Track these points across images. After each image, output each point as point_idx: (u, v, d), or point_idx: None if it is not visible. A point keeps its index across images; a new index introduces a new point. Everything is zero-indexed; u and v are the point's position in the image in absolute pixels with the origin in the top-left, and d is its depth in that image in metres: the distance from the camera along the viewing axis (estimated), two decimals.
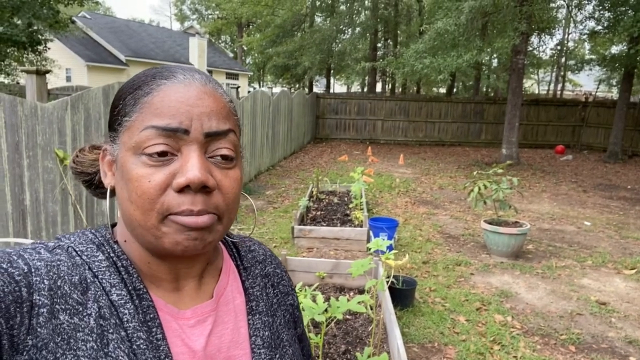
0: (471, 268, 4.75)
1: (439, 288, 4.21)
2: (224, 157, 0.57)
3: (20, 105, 3.20)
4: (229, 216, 0.59)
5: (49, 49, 13.98)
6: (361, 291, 3.89)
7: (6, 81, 15.07)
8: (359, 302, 1.98)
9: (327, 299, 3.56)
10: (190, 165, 0.53)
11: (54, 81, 19.32)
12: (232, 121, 0.60)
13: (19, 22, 11.04)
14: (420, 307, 3.82)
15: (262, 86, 39.41)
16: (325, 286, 3.95)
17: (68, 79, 22.22)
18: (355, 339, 3.10)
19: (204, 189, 0.54)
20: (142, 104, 0.56)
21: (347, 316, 3.39)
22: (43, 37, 12.72)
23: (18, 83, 15.40)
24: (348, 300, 2.12)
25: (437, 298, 4.02)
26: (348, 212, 6.20)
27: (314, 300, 2.35)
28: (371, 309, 2.72)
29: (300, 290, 2.38)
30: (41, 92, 3.62)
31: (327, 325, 2.48)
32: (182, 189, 0.54)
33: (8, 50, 12.29)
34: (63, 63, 20.37)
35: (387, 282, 2.60)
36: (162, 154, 0.54)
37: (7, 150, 3.12)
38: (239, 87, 19.71)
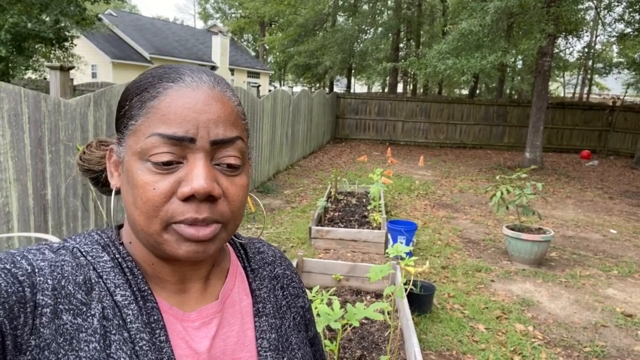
0: (492, 275, 4.64)
1: (458, 294, 4.12)
2: (230, 165, 0.56)
3: (43, 100, 3.24)
4: (234, 222, 0.58)
5: (75, 45, 14.25)
6: (378, 295, 3.84)
7: (34, 77, 15.43)
8: (376, 310, 1.93)
9: (344, 303, 3.51)
10: (196, 175, 0.53)
11: (80, 77, 19.73)
12: (239, 127, 0.58)
13: (47, 18, 11.26)
14: (439, 313, 3.74)
15: (283, 85, 39.53)
16: (342, 289, 3.91)
17: (94, 75, 22.65)
18: (371, 344, 3.05)
19: (209, 197, 0.54)
20: (148, 108, 0.55)
21: (363, 320, 3.33)
22: (70, 34, 12.96)
23: (45, 79, 15.75)
24: (365, 305, 2.08)
25: (456, 304, 3.93)
26: (366, 213, 6.14)
27: (329, 305, 2.32)
28: (388, 314, 2.67)
29: (317, 294, 2.34)
30: (65, 88, 3.66)
31: (343, 332, 2.43)
32: (187, 198, 0.53)
33: (36, 47, 12.57)
34: (89, 59, 20.77)
35: (406, 289, 2.54)
36: (167, 163, 0.53)
37: (30, 145, 3.16)
38: (259, 85, 19.81)
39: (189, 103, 0.54)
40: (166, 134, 0.53)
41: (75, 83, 16.50)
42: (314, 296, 2.21)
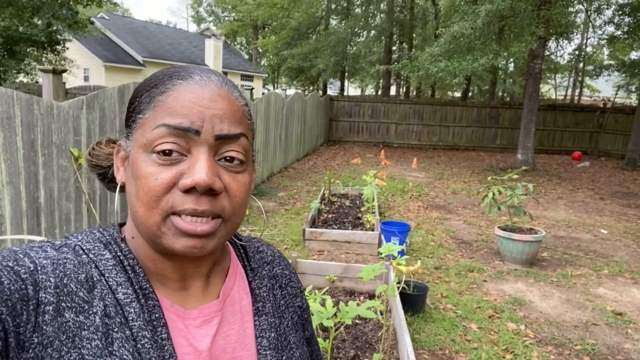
0: (484, 275, 4.68)
1: (451, 294, 4.15)
2: (232, 159, 0.57)
3: (36, 103, 3.24)
4: (234, 220, 0.58)
5: (67, 49, 14.20)
6: (372, 296, 3.86)
7: (25, 80, 15.33)
8: (368, 308, 1.94)
9: (337, 303, 3.53)
10: (198, 167, 0.53)
11: (72, 81, 19.62)
12: (244, 125, 0.59)
13: (39, 22, 11.22)
14: (432, 313, 3.77)
15: (277, 88, 39.54)
16: (335, 290, 3.93)
17: (86, 78, 22.54)
18: (364, 344, 3.06)
19: (210, 191, 0.54)
20: (156, 102, 0.56)
21: (357, 321, 3.35)
22: (62, 38, 12.91)
23: (37, 82, 15.65)
24: (358, 305, 2.10)
25: (449, 304, 3.96)
26: (360, 215, 6.16)
27: (323, 305, 2.33)
28: (381, 314, 2.69)
29: (310, 294, 2.35)
30: (57, 91, 3.66)
31: (335, 331, 2.45)
32: (188, 190, 0.54)
33: (28, 50, 12.50)
34: (81, 63, 20.67)
35: (398, 287, 2.56)
36: (168, 152, 0.54)
37: (22, 148, 3.16)
38: (253, 88, 19.81)
39: (196, 98, 0.55)
40: (172, 124, 0.54)
41: (67, 86, 16.42)
42: (307, 296, 2.23)
